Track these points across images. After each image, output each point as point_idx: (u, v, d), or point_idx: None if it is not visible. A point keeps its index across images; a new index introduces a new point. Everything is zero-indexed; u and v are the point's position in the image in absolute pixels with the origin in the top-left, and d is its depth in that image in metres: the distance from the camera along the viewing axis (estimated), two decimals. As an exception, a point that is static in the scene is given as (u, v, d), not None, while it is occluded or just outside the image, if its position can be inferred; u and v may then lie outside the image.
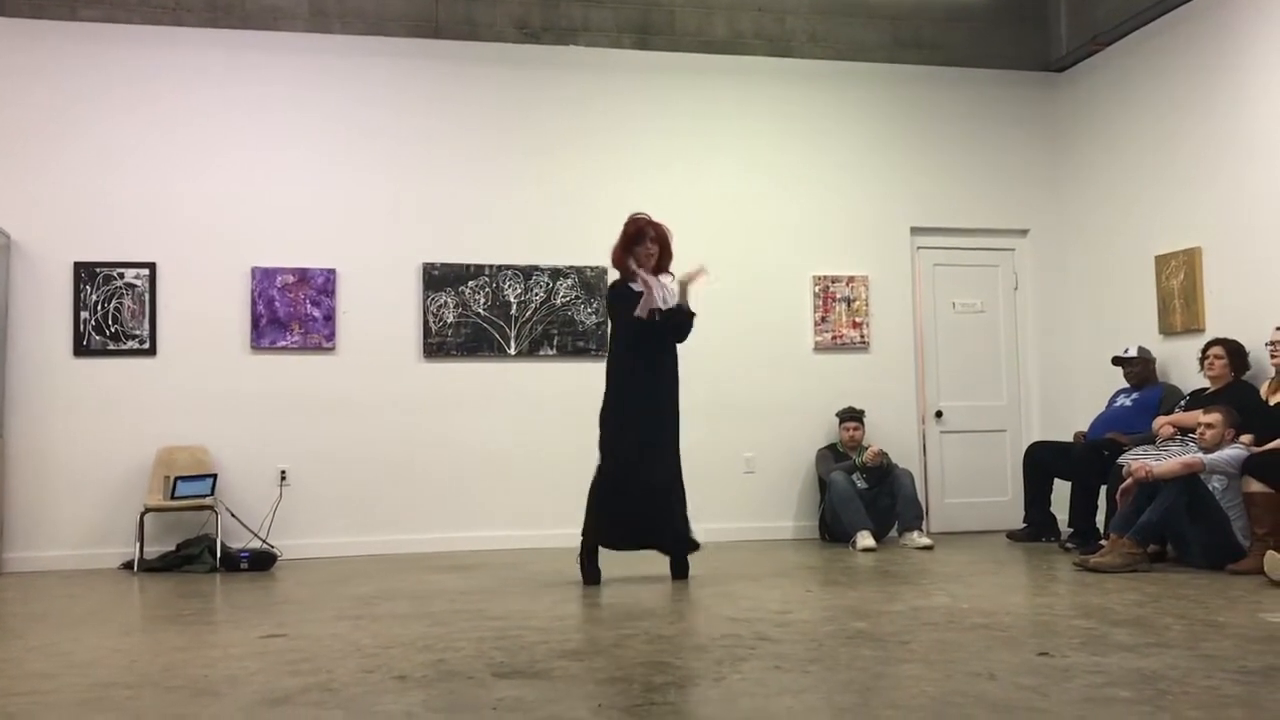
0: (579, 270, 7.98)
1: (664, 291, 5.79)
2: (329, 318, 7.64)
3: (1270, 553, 5.27)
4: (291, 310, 7.58)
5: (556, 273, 7.94)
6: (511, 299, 7.87)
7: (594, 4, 8.17)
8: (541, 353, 7.91)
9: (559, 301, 7.94)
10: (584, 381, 7.89)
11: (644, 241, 5.84)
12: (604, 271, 8.02)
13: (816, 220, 8.40)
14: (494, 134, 7.98)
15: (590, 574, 5.84)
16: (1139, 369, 7.40)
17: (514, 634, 4.32)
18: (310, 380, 7.61)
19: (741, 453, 8.14)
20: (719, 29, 8.36)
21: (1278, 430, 5.90)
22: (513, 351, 7.86)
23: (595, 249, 8.00)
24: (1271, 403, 6.14)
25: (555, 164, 8.03)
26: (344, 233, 7.72)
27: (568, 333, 7.94)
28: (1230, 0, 7.08)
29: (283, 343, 7.58)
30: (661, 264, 5.90)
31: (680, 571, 5.91)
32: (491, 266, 7.86)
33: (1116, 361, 7.51)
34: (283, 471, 7.51)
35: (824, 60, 8.47)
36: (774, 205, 8.35)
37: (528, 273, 7.91)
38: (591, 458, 7.85)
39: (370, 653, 3.97)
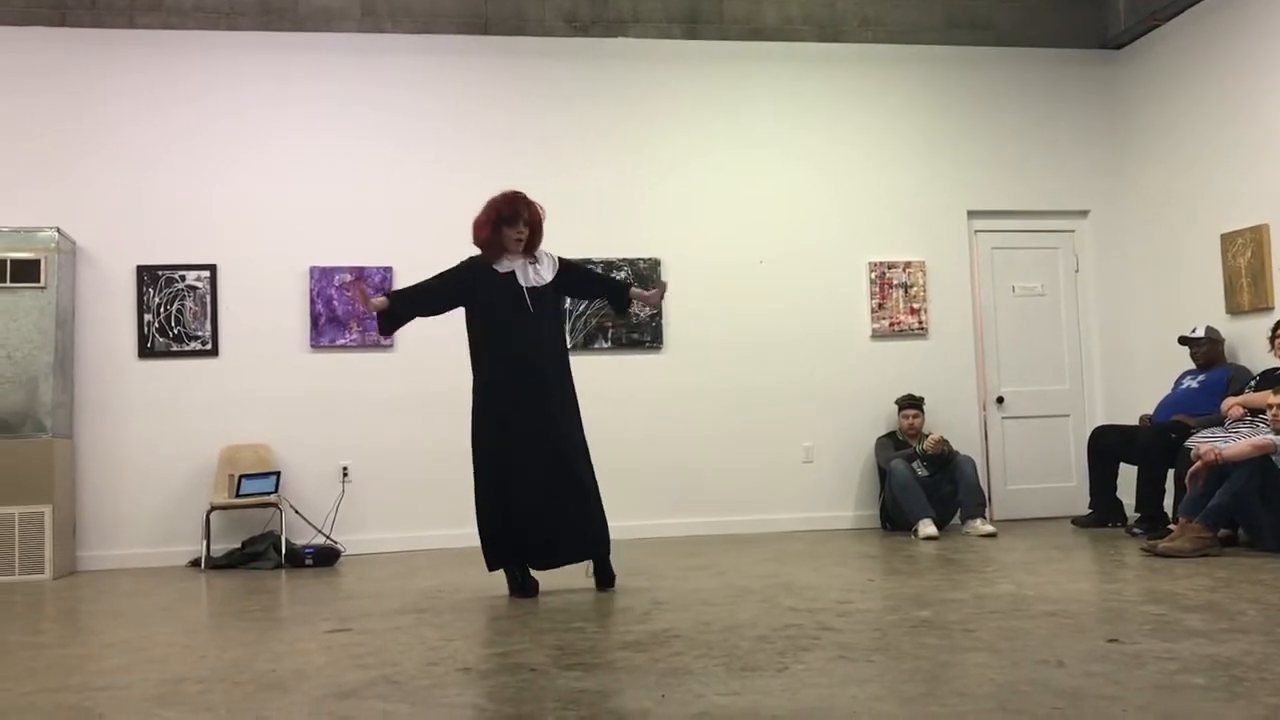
0: (632, 262, 7.97)
1: (540, 266, 5.35)
2: (386, 315, 7.69)
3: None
4: (350, 309, 7.66)
5: (610, 265, 7.93)
6: (566, 292, 7.87)
7: (643, -5, 8.16)
8: (596, 346, 7.92)
9: (613, 294, 7.93)
10: (639, 374, 7.94)
11: (517, 223, 5.25)
12: (657, 263, 8.03)
13: (871, 207, 8.33)
14: (544, 128, 8.00)
15: (518, 585, 5.27)
16: (1206, 349, 7.25)
17: (576, 626, 4.33)
18: (369, 377, 7.69)
19: (800, 442, 8.10)
20: (768, 16, 8.30)
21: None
22: (568, 345, 7.85)
23: (649, 241, 8.02)
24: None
25: (606, 156, 8.03)
26: (399, 230, 7.78)
27: (621, 326, 7.94)
28: None
29: (342, 341, 7.67)
30: (531, 247, 5.34)
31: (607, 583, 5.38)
32: (545, 261, 7.86)
33: (1183, 342, 7.36)
34: (345, 468, 7.59)
35: (876, 44, 8.39)
36: (828, 192, 8.28)
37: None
38: (651, 446, 7.93)
39: (434, 645, 4.00)
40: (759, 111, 8.29)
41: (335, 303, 7.64)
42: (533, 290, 5.28)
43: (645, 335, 7.97)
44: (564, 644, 3.95)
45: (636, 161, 8.07)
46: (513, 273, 5.27)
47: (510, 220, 5.25)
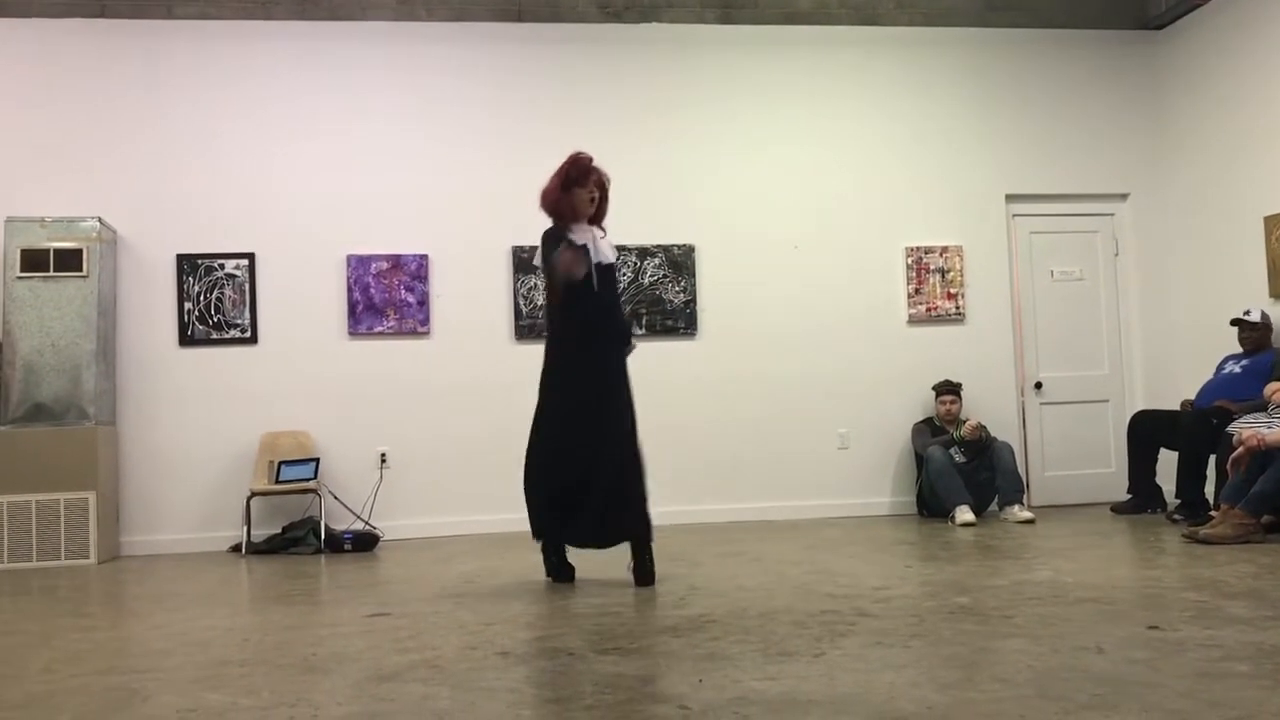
0: (666, 249, 7.97)
1: (608, 247, 5.21)
2: (423, 303, 7.75)
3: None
4: (386, 296, 7.71)
5: (644, 252, 7.94)
6: (601, 279, 7.89)
7: (677, -20, 8.13)
8: (631, 332, 7.92)
9: (647, 281, 7.94)
10: (673, 359, 7.94)
11: (586, 183, 5.10)
12: (691, 249, 8.02)
13: (908, 191, 8.27)
14: (579, 114, 8.00)
15: (554, 567, 5.27)
16: (1257, 334, 7.15)
17: (613, 610, 4.35)
18: (406, 364, 7.74)
19: (835, 428, 8.08)
20: (804, 1, 8.25)
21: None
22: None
23: (683, 228, 8.01)
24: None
25: (641, 142, 8.02)
26: (435, 218, 7.82)
27: (656, 311, 7.94)
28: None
29: (379, 328, 7.72)
30: (598, 216, 5.21)
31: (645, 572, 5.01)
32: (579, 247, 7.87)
33: (1237, 324, 7.24)
34: (383, 454, 7.65)
35: (912, 27, 8.32)
36: (864, 177, 8.24)
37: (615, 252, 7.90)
38: (686, 432, 7.93)
39: (473, 630, 4.03)
40: (793, 96, 8.25)
41: (372, 290, 7.70)
42: (599, 267, 5.09)
43: (680, 322, 7.97)
44: (601, 629, 3.97)
45: (671, 148, 8.06)
46: (585, 247, 5.03)
47: (580, 180, 5.08)
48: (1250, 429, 6.06)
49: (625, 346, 5.27)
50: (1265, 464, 5.81)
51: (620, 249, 8.00)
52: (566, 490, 5.01)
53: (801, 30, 8.23)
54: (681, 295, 7.95)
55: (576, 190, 5.07)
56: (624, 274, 7.94)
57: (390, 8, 7.92)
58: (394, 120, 7.87)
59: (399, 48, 7.90)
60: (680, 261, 7.95)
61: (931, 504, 7.59)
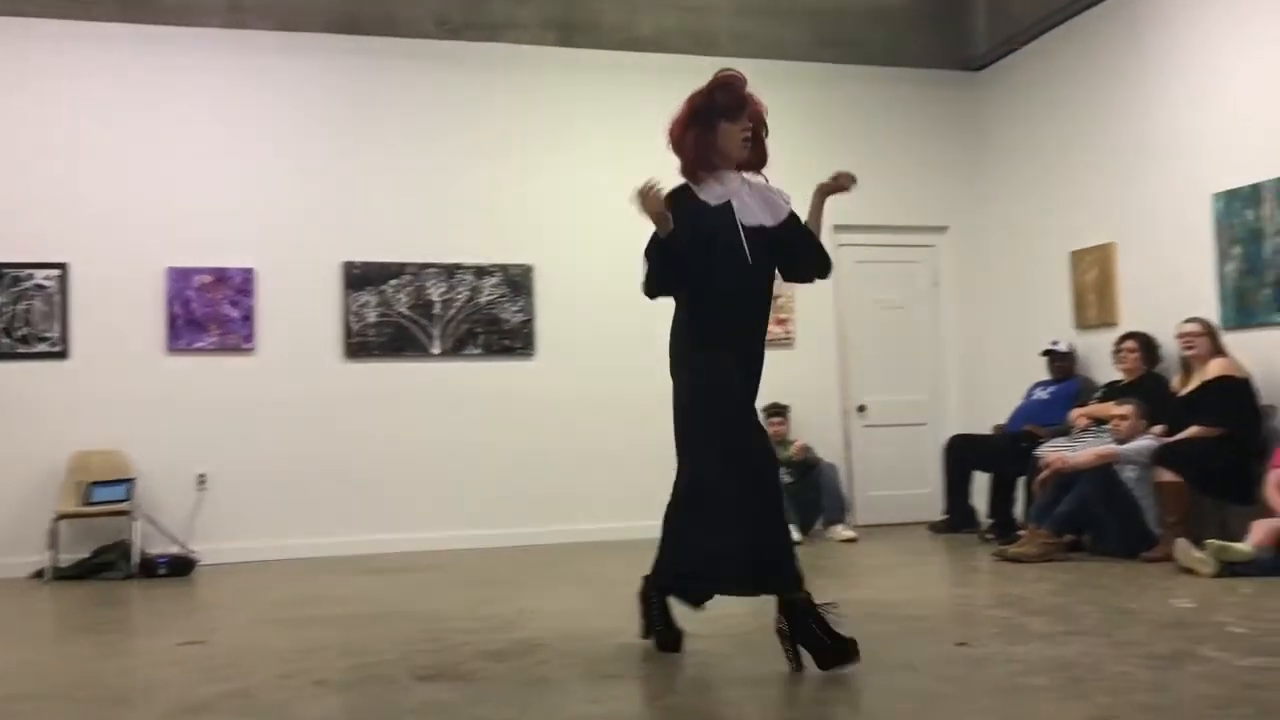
0: (504, 268, 7.93)
1: (766, 202, 3.77)
2: (247, 318, 7.50)
3: (1180, 540, 5.41)
4: (209, 311, 7.43)
5: (481, 270, 7.88)
6: (435, 298, 7.79)
7: (517, 1, 8.12)
8: (466, 352, 7.84)
9: (484, 300, 7.88)
10: (510, 381, 7.89)
11: (740, 116, 3.65)
12: (530, 269, 8.00)
13: (742, 218, 8.43)
14: (415, 131, 7.89)
15: (661, 631, 3.93)
16: (1065, 363, 7.56)
17: (438, 636, 4.28)
18: (229, 382, 7.46)
19: (669, 448, 8.13)
20: (643, 26, 8.35)
21: (1187, 421, 6.06)
22: (436, 351, 7.79)
23: (522, 247, 7.98)
24: (1181, 394, 6.30)
25: (478, 160, 7.95)
26: (262, 231, 7.58)
27: (493, 332, 7.88)
28: (1136, 3, 7.24)
29: (200, 344, 7.43)
30: (756, 161, 3.79)
31: (824, 651, 3.38)
32: (414, 265, 7.77)
33: (1046, 353, 7.64)
34: (202, 475, 7.36)
35: (747, 59, 8.48)
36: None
37: (451, 271, 7.83)
38: (521, 454, 7.89)
39: (290, 658, 3.91)
40: (634, 120, 8.30)
41: (193, 304, 7.40)
42: (752, 232, 3.69)
43: (517, 342, 7.92)
44: (425, 655, 3.90)
45: (510, 167, 8.02)
46: (728, 204, 3.69)
47: (731, 111, 3.65)
48: (1056, 453, 6.39)
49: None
50: (1070, 486, 6.14)
51: (455, 268, 7.97)
52: (733, 525, 3.62)
53: (641, 57, 8.31)
54: (519, 315, 7.91)
55: (724, 125, 3.65)
56: (460, 293, 7.86)
57: (219, 14, 7.66)
58: (218, 129, 7.60)
59: (228, 56, 7.64)
60: (519, 281, 7.91)
61: (760, 524, 7.73)
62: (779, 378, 8.32)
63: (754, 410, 3.86)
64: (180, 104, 7.54)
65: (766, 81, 8.41)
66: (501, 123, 8.03)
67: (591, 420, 7.96)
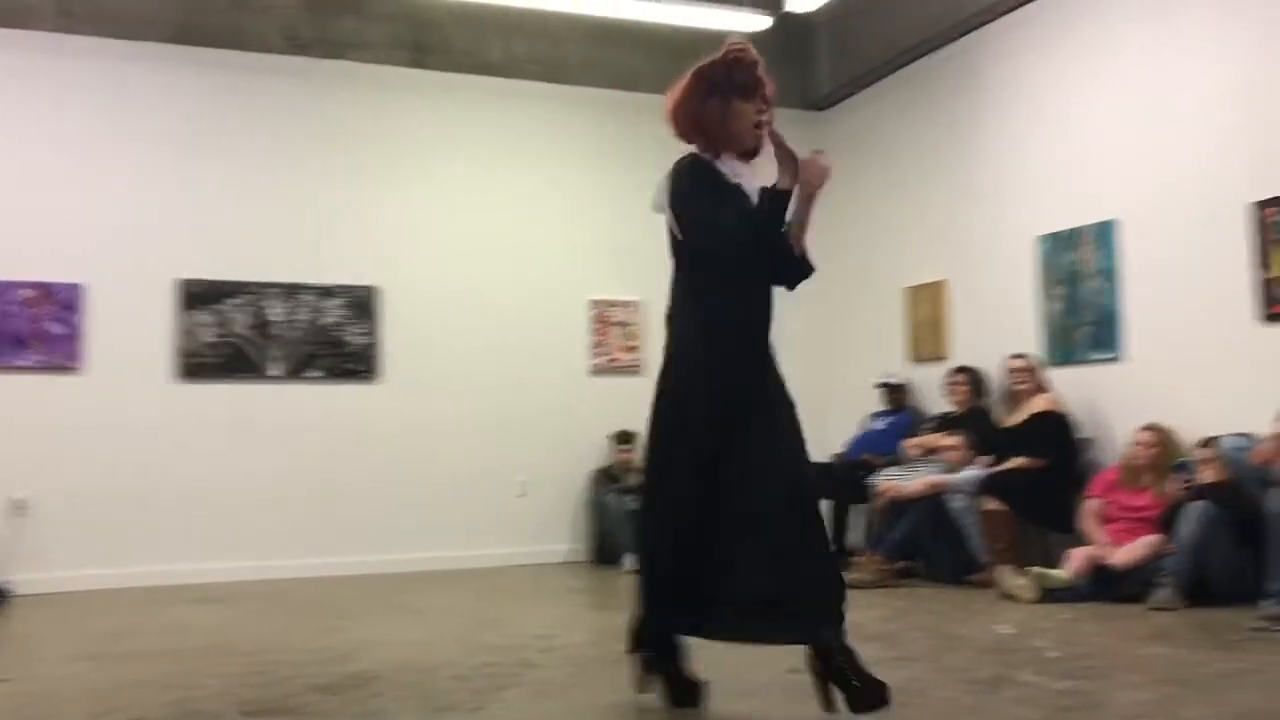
0: (348, 290, 7.77)
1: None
2: (74, 336, 7.15)
3: (1003, 567, 5.65)
4: (31, 327, 7.06)
5: (325, 291, 7.70)
6: (275, 318, 7.58)
7: (367, 19, 8.01)
8: (307, 375, 7.64)
9: (326, 322, 7.70)
10: (351, 405, 7.72)
11: (753, 96, 3.30)
12: (375, 291, 7.86)
13: (593, 245, 8.47)
14: (258, 147, 7.68)
15: (671, 685, 3.40)
16: (899, 395, 7.82)
17: (266, 669, 4.14)
18: (53, 402, 7.09)
19: (515, 476, 8.11)
20: (494, 51, 8.33)
21: (1013, 452, 6.33)
22: (276, 373, 7.57)
23: (367, 269, 7.84)
24: (1007, 426, 6.58)
25: (323, 179, 7.79)
26: (93, 246, 7.24)
27: (335, 354, 7.70)
28: (972, 51, 7.59)
29: (20, 362, 7.04)
30: (759, 148, 3.44)
31: (857, 698, 3.10)
32: (254, 284, 7.55)
33: (882, 385, 7.89)
34: (18, 500, 6.96)
35: (598, 88, 8.57)
36: (551, 229, 8.37)
37: (293, 291, 7.64)
38: (362, 480, 7.74)
39: (105, 694, 3.72)
40: (485, 145, 8.29)
41: (16, 320, 7.02)
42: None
43: (360, 365, 7.76)
44: (252, 689, 3.77)
45: (356, 187, 7.87)
46: (740, 186, 3.36)
47: (747, 90, 3.30)
48: (889, 481, 6.60)
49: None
50: (903, 514, 6.34)
51: (297, 288, 7.77)
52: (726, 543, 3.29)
53: (493, 82, 8.29)
54: (363, 338, 7.76)
55: (737, 104, 3.28)
56: (302, 315, 7.67)
57: (49, 18, 7.32)
58: (46, 138, 7.25)
59: (58, 61, 7.31)
60: (363, 303, 7.76)
61: (607, 551, 7.76)
62: (629, 404, 8.36)
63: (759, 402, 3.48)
64: (6, 109, 7.18)
65: (618, 113, 8.59)
66: (349, 141, 7.89)
67: (435, 446, 7.86)
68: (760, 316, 3.42)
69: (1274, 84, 5.55)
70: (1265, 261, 5.54)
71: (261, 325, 7.53)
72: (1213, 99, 5.87)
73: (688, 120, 3.33)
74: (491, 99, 8.28)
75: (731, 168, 3.31)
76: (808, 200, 3.33)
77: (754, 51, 3.29)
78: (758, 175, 3.37)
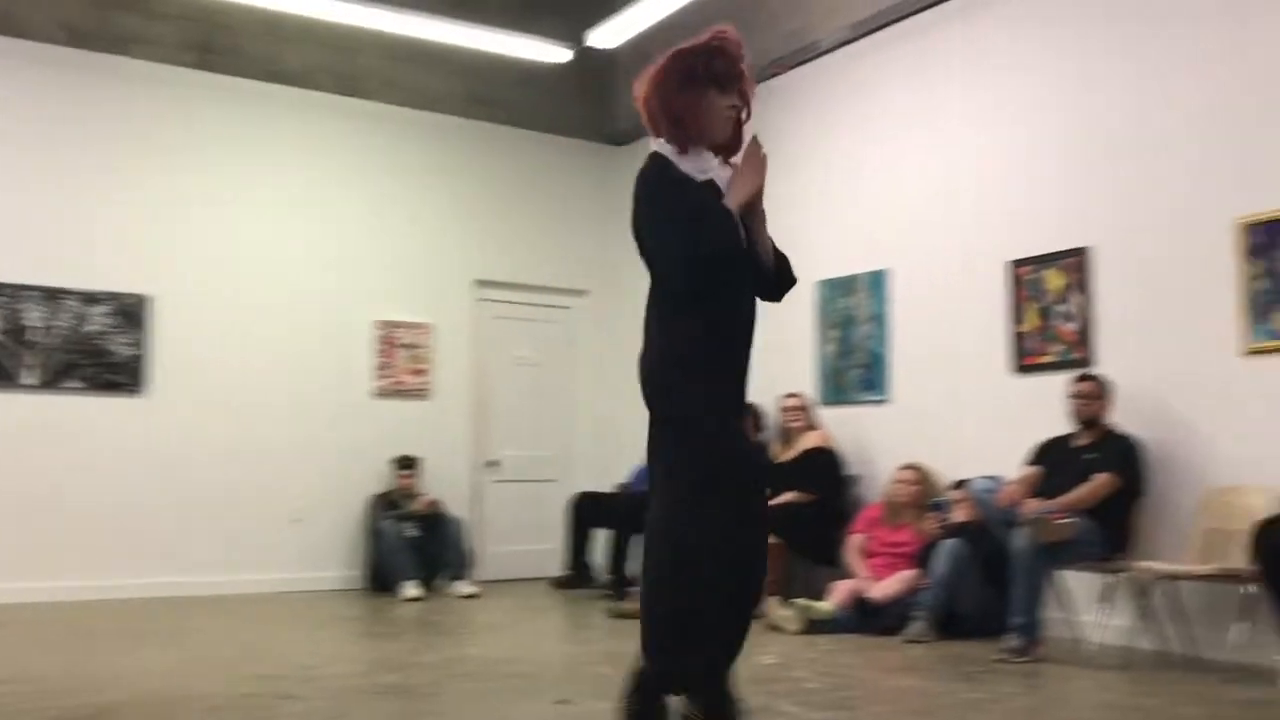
0: (116, 296, 7.34)
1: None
2: None
3: (771, 599, 5.82)
4: None
5: (89, 298, 7.25)
6: (32, 323, 7.08)
7: (154, 15, 7.63)
8: (64, 385, 7.17)
9: (89, 330, 7.25)
10: (115, 418, 7.29)
11: (731, 90, 3.03)
12: (144, 299, 7.46)
13: (382, 265, 8.31)
14: (25, 141, 7.20)
15: None
16: (688, 425, 7.96)
17: (5, 701, 3.84)
18: None
19: (289, 500, 7.82)
20: (289, 60, 8.09)
21: (785, 487, 6.54)
22: (31, 382, 7.06)
23: (139, 276, 7.44)
24: (781, 461, 6.80)
25: (96, 178, 7.34)
26: None
27: (98, 365, 7.26)
28: (763, 100, 7.84)
29: None
30: (734, 145, 3.14)
31: None
32: (9, 285, 7.03)
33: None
34: None
35: (396, 106, 8.45)
36: (339, 246, 8.16)
37: (53, 295, 7.16)
38: (120, 498, 7.29)
39: None
40: (273, 154, 8.02)
41: None
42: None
43: (124, 377, 7.34)
44: (-23, 724, 3.49)
45: (133, 189, 7.45)
46: (713, 182, 3.07)
47: (724, 81, 3.02)
48: (669, 513, 6.70)
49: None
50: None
51: (59, 292, 7.29)
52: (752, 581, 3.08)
53: (285, 90, 8.04)
54: (130, 348, 7.34)
55: (712, 96, 3.01)
56: (63, 321, 7.19)
57: None
58: None
59: None
60: (132, 311, 7.35)
61: (383, 578, 7.57)
62: (413, 429, 8.27)
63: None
64: None
65: (413, 131, 8.49)
66: (128, 142, 7.49)
67: (205, 465, 7.51)
68: (746, 337, 3.11)
69: (1028, 150, 5.99)
70: (1019, 316, 5.95)
71: (16, 330, 7.03)
72: (971, 161, 6.30)
73: (659, 106, 3.03)
74: (283, 108, 8.04)
75: (700, 163, 3.03)
76: (748, 208, 3.01)
77: (738, 41, 3.04)
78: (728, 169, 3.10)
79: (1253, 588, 4.46)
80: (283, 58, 8.06)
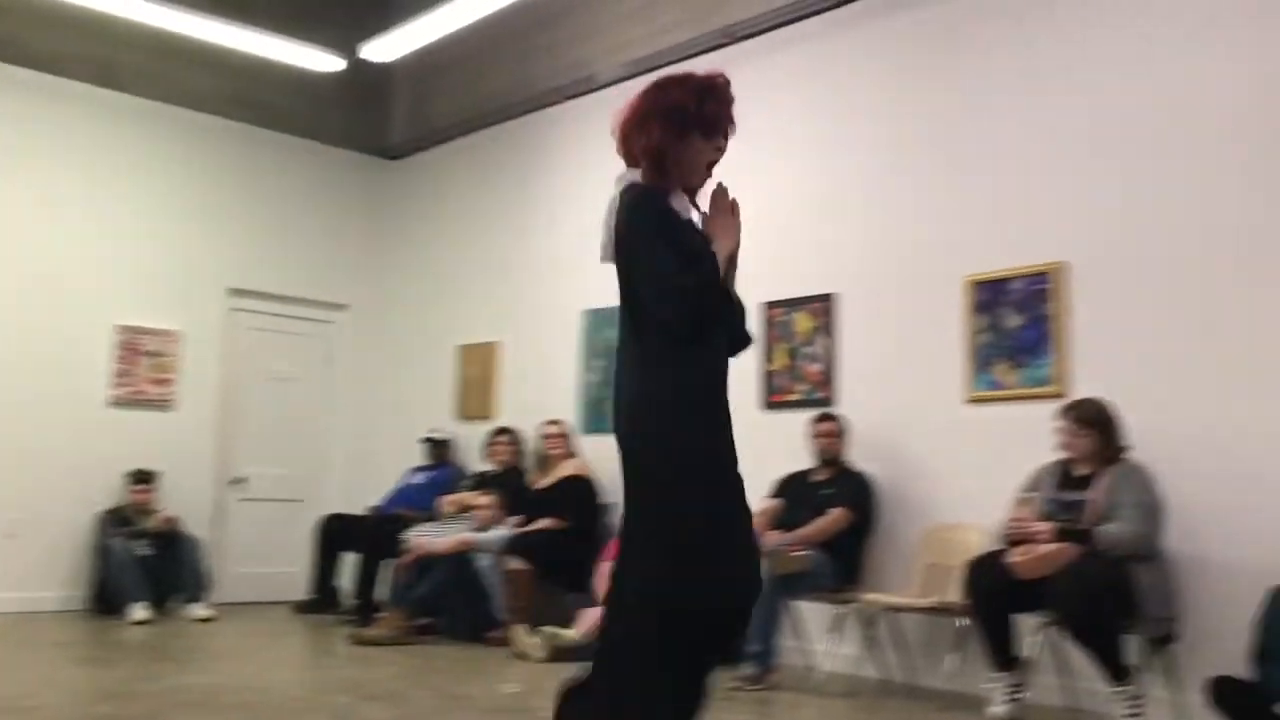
0: None
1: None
2: None
3: (516, 626, 5.81)
4: None
5: None
6: None
7: (-123, -21, 7.01)
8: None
9: None
10: None
11: (716, 135, 2.87)
12: None
13: (126, 266, 7.83)
14: None
15: None
16: (443, 450, 7.86)
17: None
18: None
19: (4, 513, 7.24)
20: (38, 43, 7.54)
21: (540, 513, 6.56)
22: None
23: None
24: (538, 488, 6.82)
25: None
26: None
27: None
28: (543, 127, 7.91)
29: None
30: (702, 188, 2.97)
31: None
32: None
33: (426, 440, 7.88)
34: None
35: (153, 101, 8.02)
36: (80, 244, 7.64)
37: None
38: None
39: None
40: (11, 141, 7.46)
41: None
42: None
43: None
44: None
45: None
46: (691, 222, 2.91)
47: (710, 127, 2.86)
48: (421, 536, 6.60)
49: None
50: (431, 569, 6.36)
51: None
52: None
53: (31, 75, 7.50)
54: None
55: (695, 137, 2.84)
56: None
57: None
58: None
59: None
60: None
61: (109, 599, 7.10)
62: (153, 441, 7.82)
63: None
64: None
65: (175, 130, 8.09)
66: None
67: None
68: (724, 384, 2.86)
69: (788, 199, 6.26)
70: (769, 355, 6.20)
71: None
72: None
73: (640, 142, 2.85)
74: (29, 93, 7.51)
75: (679, 201, 2.87)
76: (729, 261, 2.84)
77: (729, 88, 2.88)
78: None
79: (965, 620, 4.77)
80: (30, 40, 7.53)
